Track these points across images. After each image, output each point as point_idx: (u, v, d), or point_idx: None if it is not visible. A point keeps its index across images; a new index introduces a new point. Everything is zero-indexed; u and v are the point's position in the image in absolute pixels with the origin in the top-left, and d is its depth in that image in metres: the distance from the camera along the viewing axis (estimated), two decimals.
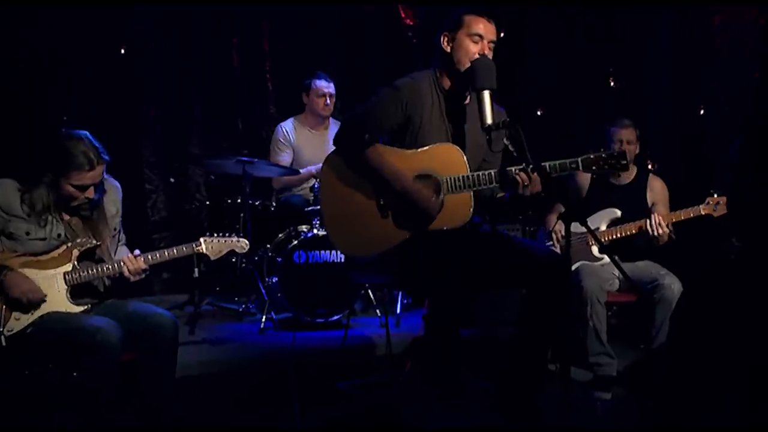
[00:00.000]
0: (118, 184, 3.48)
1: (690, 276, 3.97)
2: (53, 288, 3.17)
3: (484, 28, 3.20)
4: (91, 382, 2.98)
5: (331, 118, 5.67)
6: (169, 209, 6.13)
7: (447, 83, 3.31)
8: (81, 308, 3.20)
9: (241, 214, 5.11)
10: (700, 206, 4.08)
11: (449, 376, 3.12)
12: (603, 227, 4.20)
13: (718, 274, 1.71)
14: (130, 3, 5.77)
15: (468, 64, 3.18)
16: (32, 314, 3.12)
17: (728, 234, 4.46)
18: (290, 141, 5.55)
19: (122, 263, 3.24)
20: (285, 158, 5.54)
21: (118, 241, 3.47)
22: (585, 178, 4.45)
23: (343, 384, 3.95)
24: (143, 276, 3.29)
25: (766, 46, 5.24)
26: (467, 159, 3.19)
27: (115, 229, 3.41)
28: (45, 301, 3.14)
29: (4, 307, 3.09)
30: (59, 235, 3.24)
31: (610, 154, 3.14)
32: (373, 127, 3.21)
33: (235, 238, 3.55)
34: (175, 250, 3.34)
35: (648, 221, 4.06)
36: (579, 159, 3.12)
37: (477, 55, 3.16)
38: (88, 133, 3.21)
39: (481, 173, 3.15)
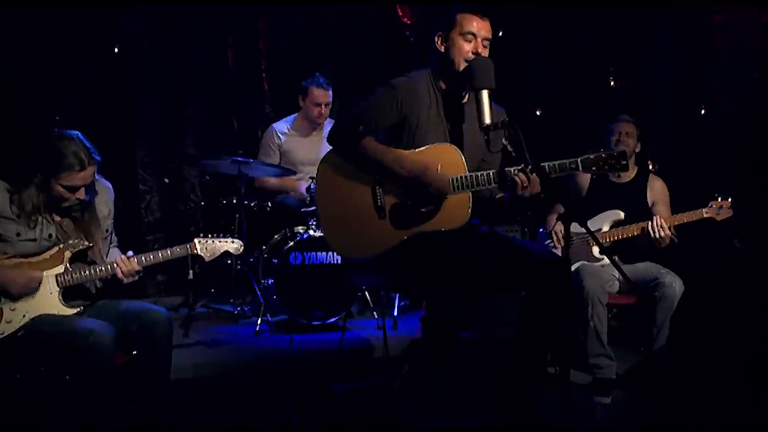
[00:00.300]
0: (110, 186, 3.47)
1: (691, 278, 3.97)
2: (45, 290, 3.16)
3: (476, 26, 3.20)
4: (84, 385, 2.97)
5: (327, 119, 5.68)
6: (163, 210, 6.11)
7: (444, 83, 3.30)
8: (73, 310, 3.19)
9: (237, 215, 5.10)
10: (703, 209, 4.08)
11: (447, 379, 3.12)
12: (605, 228, 4.20)
13: (719, 276, 1.71)
14: (124, 2, 5.76)
15: (463, 64, 3.18)
16: (24, 316, 3.11)
17: (730, 236, 4.47)
18: (279, 145, 5.56)
19: (115, 265, 3.23)
20: (269, 162, 5.54)
21: (110, 243, 3.46)
22: (585, 177, 4.46)
23: (340, 387, 3.94)
24: (137, 278, 3.28)
25: (767, 46, 5.25)
26: (465, 159, 3.19)
27: (106, 231, 3.40)
28: (39, 287, 3.13)
29: None
30: (50, 236, 3.23)
31: (609, 154, 3.14)
32: (368, 125, 3.21)
33: (229, 240, 3.54)
34: (169, 252, 3.34)
35: (650, 223, 4.06)
36: (578, 159, 3.12)
37: (471, 54, 3.17)
38: (79, 133, 3.20)
39: (479, 174, 3.14)
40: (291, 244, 4.86)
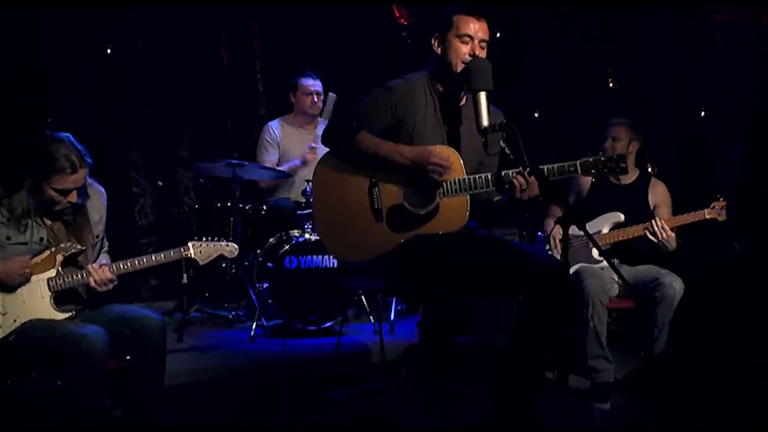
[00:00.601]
0: (103, 190, 3.46)
1: (691, 280, 3.97)
2: (36, 294, 3.15)
3: (473, 27, 3.20)
4: (77, 391, 2.95)
5: (320, 118, 5.70)
6: (157, 213, 6.10)
7: (441, 85, 3.30)
8: (65, 315, 3.18)
9: (231, 218, 5.10)
10: (705, 210, 4.08)
11: (444, 385, 3.11)
12: (605, 230, 4.20)
13: (718, 279, 1.71)
14: (117, 1, 5.75)
15: (460, 66, 3.18)
16: (15, 321, 3.10)
17: (730, 238, 4.47)
18: (276, 140, 5.60)
19: (87, 273, 3.21)
20: (271, 158, 5.60)
21: (101, 249, 3.44)
22: (585, 180, 4.45)
23: (336, 392, 3.93)
24: (110, 286, 3.25)
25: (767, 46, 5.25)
26: (463, 162, 3.19)
27: (97, 236, 3.38)
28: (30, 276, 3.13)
29: None
30: (41, 239, 3.21)
31: (609, 158, 3.15)
32: (362, 124, 3.21)
33: (224, 243, 3.54)
34: (162, 255, 3.33)
35: (651, 224, 4.05)
36: (577, 162, 3.12)
37: (468, 56, 3.17)
38: (70, 135, 3.19)
39: (478, 176, 3.14)
40: (286, 247, 4.86)
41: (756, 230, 1.70)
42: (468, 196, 3.18)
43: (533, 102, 6.51)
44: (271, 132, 5.64)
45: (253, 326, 4.84)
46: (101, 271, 3.21)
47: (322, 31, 6.66)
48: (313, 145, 5.41)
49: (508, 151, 3.10)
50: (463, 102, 3.34)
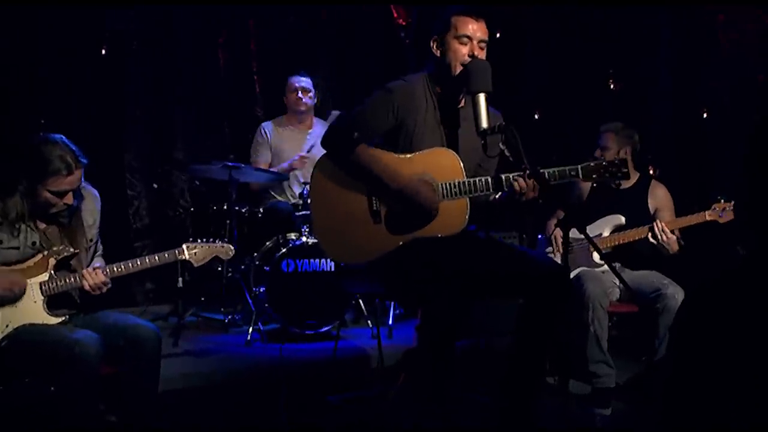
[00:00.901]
0: (97, 194, 3.45)
1: (693, 285, 3.97)
2: (29, 298, 3.14)
3: (471, 28, 3.20)
4: (70, 396, 2.94)
5: (316, 118, 5.71)
6: (152, 216, 6.10)
7: (441, 87, 3.31)
8: (58, 319, 3.17)
9: (227, 221, 5.10)
10: (706, 212, 4.08)
11: (443, 390, 3.11)
12: (606, 234, 4.20)
13: (719, 284, 1.71)
14: (111, 2, 5.75)
15: (459, 68, 3.19)
16: (7, 326, 3.09)
17: (733, 241, 4.47)
18: (268, 140, 5.62)
19: (80, 277, 3.20)
20: (263, 158, 5.63)
21: (94, 253, 3.43)
22: (585, 184, 4.45)
23: (334, 397, 3.94)
24: (104, 290, 3.24)
25: None
26: (462, 164, 3.19)
27: (91, 240, 3.38)
28: (24, 293, 3.12)
29: None
30: (34, 243, 3.21)
31: (611, 162, 3.16)
32: (363, 129, 3.22)
33: (219, 244, 3.53)
34: (156, 257, 3.32)
35: (652, 227, 4.05)
36: (579, 167, 3.13)
37: (467, 58, 3.17)
38: (63, 137, 3.19)
39: (477, 179, 3.15)
40: (283, 250, 4.86)
41: (757, 232, 1.71)
42: (467, 199, 3.19)
43: (533, 103, 6.50)
44: (263, 133, 5.68)
45: (250, 330, 4.83)
46: (95, 274, 3.21)
47: (319, 32, 6.67)
48: (304, 153, 5.40)
49: (507, 153, 3.10)
50: (462, 104, 3.35)
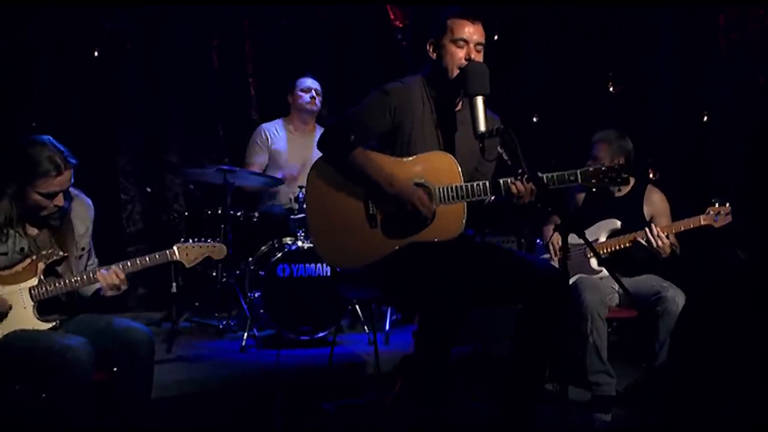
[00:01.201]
0: (90, 202, 3.44)
1: (694, 290, 3.96)
2: (19, 304, 3.13)
3: (468, 31, 3.20)
4: (62, 403, 2.93)
5: (316, 125, 5.70)
6: (145, 220, 6.09)
7: (438, 90, 3.31)
8: (49, 325, 3.16)
9: (222, 226, 5.09)
10: (701, 216, 4.07)
11: (441, 396, 3.11)
12: (602, 239, 4.19)
13: (721, 287, 1.71)
14: (104, 2, 5.75)
15: (456, 71, 3.19)
16: None
17: (732, 244, 4.46)
18: (268, 144, 5.59)
19: (99, 274, 3.19)
20: (258, 160, 5.60)
21: (87, 262, 3.39)
22: (579, 193, 4.44)
23: (330, 404, 3.93)
24: (119, 291, 3.24)
25: None
26: (459, 168, 3.19)
27: (83, 249, 3.36)
28: (10, 309, 3.11)
29: None
30: (22, 249, 3.20)
31: (610, 167, 3.17)
32: (359, 131, 3.22)
33: (210, 243, 3.49)
34: (148, 258, 3.30)
35: (648, 231, 4.04)
36: (578, 171, 3.13)
37: (464, 61, 3.17)
38: (50, 138, 3.18)
39: (475, 184, 3.15)
40: (279, 255, 4.85)
41: (760, 235, 1.71)
42: (464, 204, 3.19)
43: (532, 104, 6.49)
44: (265, 135, 5.62)
45: (245, 336, 4.83)
46: (112, 274, 3.19)
47: (315, 34, 6.66)
48: (294, 174, 5.38)
49: (506, 157, 3.10)
50: (459, 107, 3.35)
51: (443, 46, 3.23)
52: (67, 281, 3.20)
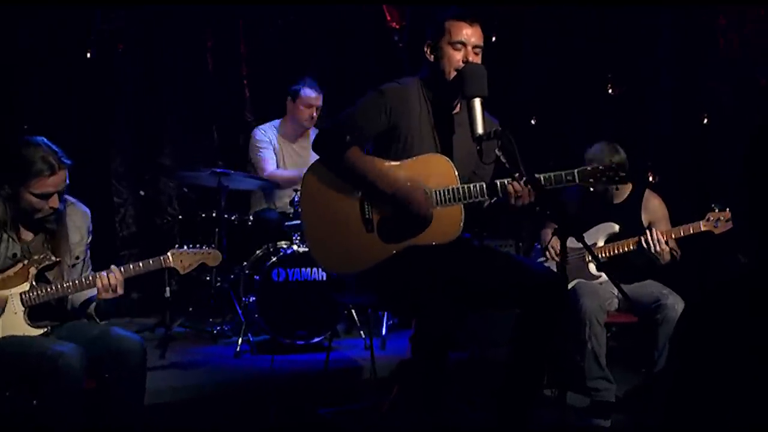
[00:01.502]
0: (87, 210, 3.42)
1: (694, 296, 3.96)
2: (9, 310, 3.12)
3: (465, 33, 3.20)
4: (53, 411, 2.92)
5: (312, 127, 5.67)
6: (138, 224, 6.09)
7: (435, 92, 3.30)
8: (40, 331, 3.15)
9: (216, 229, 5.09)
10: (701, 222, 4.06)
11: (438, 402, 3.11)
12: (600, 242, 4.19)
13: (722, 292, 1.71)
14: (97, 3, 5.74)
15: (454, 74, 3.19)
16: None
17: (733, 249, 4.46)
18: (273, 142, 5.54)
19: (97, 276, 3.17)
20: (270, 163, 5.47)
21: (81, 270, 3.36)
22: (575, 201, 4.41)
23: (326, 410, 3.92)
24: (115, 295, 3.22)
25: None
26: (456, 171, 3.19)
27: (77, 258, 3.34)
28: (1, 314, 3.10)
29: None
30: (14, 255, 3.19)
31: (607, 167, 3.15)
32: (355, 132, 3.21)
33: (206, 250, 3.48)
34: (141, 264, 3.28)
35: (647, 235, 4.03)
36: (575, 171, 3.13)
37: (461, 63, 3.17)
38: (44, 138, 3.17)
39: (472, 186, 3.15)
40: (274, 259, 4.85)
41: (762, 239, 1.70)
42: (462, 207, 3.18)
43: (530, 105, 6.49)
44: (265, 136, 5.54)
45: (239, 342, 4.82)
46: (109, 275, 3.17)
47: (311, 35, 6.66)
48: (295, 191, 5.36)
49: (503, 160, 3.10)
50: (457, 109, 3.35)
51: (441, 48, 3.23)
52: (58, 286, 3.18)
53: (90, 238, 3.40)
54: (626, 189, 4.34)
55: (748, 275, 1.77)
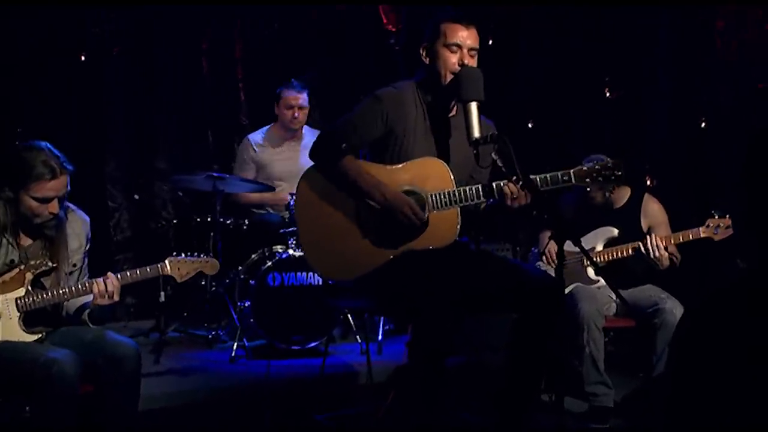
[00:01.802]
0: (87, 218, 3.43)
1: (692, 301, 3.95)
2: (4, 315, 3.11)
3: (461, 36, 3.21)
4: (47, 418, 2.90)
5: (306, 127, 5.65)
6: (133, 228, 6.09)
7: (431, 96, 3.31)
8: (34, 337, 3.15)
9: (211, 234, 5.08)
10: (700, 228, 4.06)
11: (434, 407, 3.10)
12: (599, 247, 4.19)
13: (721, 298, 1.71)
14: (91, 5, 5.74)
15: (449, 77, 3.20)
16: None
17: (732, 254, 4.47)
18: (254, 157, 5.55)
19: (93, 282, 3.18)
20: (247, 176, 5.54)
21: (79, 277, 3.36)
22: (571, 208, 4.41)
23: (322, 416, 3.92)
24: (111, 301, 3.21)
25: None
26: (453, 174, 3.19)
27: (74, 266, 3.34)
28: None
29: None
30: (12, 261, 3.18)
31: (603, 165, 3.14)
32: (352, 138, 3.22)
33: (204, 258, 3.51)
34: (138, 272, 3.29)
35: (646, 240, 4.03)
36: (571, 171, 3.13)
37: (457, 66, 3.18)
38: (48, 144, 3.18)
39: (467, 188, 3.15)
40: (269, 264, 4.85)
41: (761, 244, 1.70)
42: (459, 210, 3.18)
43: (527, 105, 6.48)
44: (250, 150, 5.58)
45: (234, 347, 4.82)
46: (105, 281, 3.17)
47: (306, 38, 6.66)
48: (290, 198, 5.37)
49: (500, 164, 3.10)
50: (453, 113, 3.35)
51: (436, 51, 3.24)
52: (54, 293, 3.18)
53: (89, 245, 3.41)
54: (625, 193, 4.35)
55: (747, 277, 1.77)
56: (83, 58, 5.82)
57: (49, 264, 3.22)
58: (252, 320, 4.82)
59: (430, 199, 3.17)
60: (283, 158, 5.55)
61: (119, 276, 3.23)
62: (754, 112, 5.28)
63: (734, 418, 1.60)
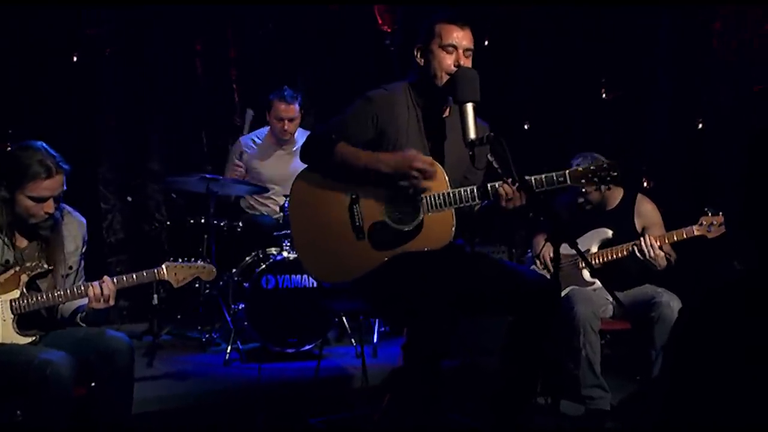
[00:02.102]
0: (83, 220, 3.45)
1: (689, 300, 3.96)
2: None
3: (456, 36, 3.21)
4: (41, 421, 2.91)
5: (300, 130, 5.63)
6: (126, 230, 6.09)
7: (425, 97, 3.31)
8: (28, 339, 3.16)
9: (205, 236, 5.08)
10: (694, 227, 4.07)
11: (430, 410, 3.11)
12: (594, 249, 4.20)
13: (718, 297, 1.71)
14: (83, 5, 5.73)
15: (445, 78, 3.20)
16: None
17: (728, 255, 4.47)
18: (245, 159, 5.57)
19: (89, 285, 3.18)
20: (235, 176, 5.56)
21: (74, 280, 3.36)
22: (564, 211, 4.42)
23: (316, 420, 3.92)
24: (107, 305, 3.21)
25: None
26: (447, 176, 3.19)
27: (70, 268, 3.34)
28: None
29: None
30: (7, 262, 3.19)
31: (599, 166, 3.15)
32: (343, 139, 3.21)
33: (201, 264, 3.50)
34: (134, 276, 3.30)
35: (641, 241, 4.04)
36: (566, 172, 3.13)
37: (453, 67, 3.18)
38: (44, 143, 3.20)
39: (462, 190, 3.15)
40: (263, 266, 4.85)
41: (758, 244, 1.71)
42: (453, 212, 3.18)
43: (526, 105, 6.50)
44: (238, 152, 5.61)
45: (228, 350, 4.82)
46: (101, 285, 3.16)
47: (301, 39, 6.67)
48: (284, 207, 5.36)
49: (495, 165, 3.10)
50: (447, 114, 3.35)
51: (431, 52, 3.24)
52: (50, 295, 3.19)
53: (85, 248, 3.42)
54: (618, 194, 4.36)
55: (744, 277, 1.78)
56: (75, 59, 5.81)
57: (45, 266, 3.23)
58: (246, 323, 4.83)
59: (425, 201, 3.17)
60: (274, 162, 5.55)
61: (115, 280, 3.24)
62: (753, 112, 5.30)
63: (731, 417, 1.61)
